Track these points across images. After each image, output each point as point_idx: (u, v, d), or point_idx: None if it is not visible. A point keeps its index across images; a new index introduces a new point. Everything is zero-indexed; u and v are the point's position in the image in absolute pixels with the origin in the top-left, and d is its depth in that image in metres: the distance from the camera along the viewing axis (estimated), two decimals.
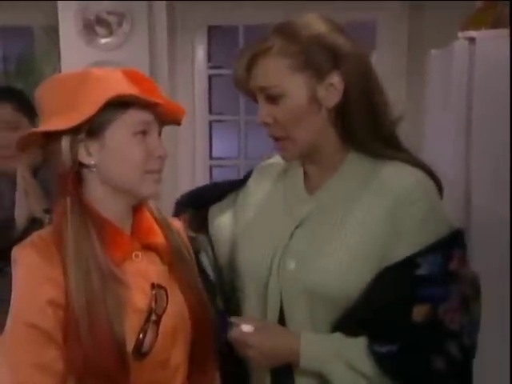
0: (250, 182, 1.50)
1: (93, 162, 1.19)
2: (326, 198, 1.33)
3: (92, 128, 1.16)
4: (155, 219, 1.30)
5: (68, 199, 1.17)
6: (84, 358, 1.10)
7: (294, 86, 1.24)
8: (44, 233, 1.21)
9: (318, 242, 1.29)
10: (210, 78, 3.64)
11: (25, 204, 1.83)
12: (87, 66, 3.07)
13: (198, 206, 1.51)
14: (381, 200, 1.27)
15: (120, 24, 3.24)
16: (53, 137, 1.16)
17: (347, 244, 1.25)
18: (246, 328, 1.26)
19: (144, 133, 1.19)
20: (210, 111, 3.66)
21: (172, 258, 1.28)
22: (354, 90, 1.25)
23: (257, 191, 1.46)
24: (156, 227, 1.29)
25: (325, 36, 1.24)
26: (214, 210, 1.51)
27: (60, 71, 3.17)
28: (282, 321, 1.32)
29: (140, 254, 1.24)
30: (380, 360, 1.20)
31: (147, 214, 1.29)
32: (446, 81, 2.25)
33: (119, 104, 1.15)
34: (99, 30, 3.26)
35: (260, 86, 1.27)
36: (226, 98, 3.58)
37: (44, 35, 3.34)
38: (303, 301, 1.27)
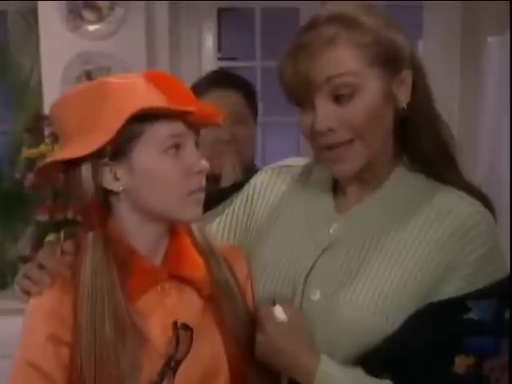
0: (256, 189, 1.48)
1: (121, 188, 1.19)
2: (362, 217, 1.32)
3: (116, 149, 1.16)
4: (197, 246, 1.29)
5: (90, 234, 1.18)
6: None
7: (371, 79, 1.24)
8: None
9: (348, 269, 1.27)
10: None
11: None
12: (72, 57, 3.19)
13: None
14: (434, 227, 1.27)
15: (112, 8, 3.18)
16: (73, 162, 1.17)
17: (388, 274, 1.24)
18: (278, 313, 1.23)
19: (177, 147, 1.18)
20: None
21: (213, 292, 1.27)
22: (418, 91, 1.28)
23: (267, 202, 1.45)
24: (195, 256, 1.28)
25: (386, 28, 1.26)
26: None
27: (39, 63, 3.15)
28: None
29: (168, 286, 1.24)
30: None
31: (186, 241, 1.28)
32: (506, 71, 2.25)
33: (144, 118, 1.14)
34: (87, 14, 3.19)
35: (329, 76, 1.23)
36: None
37: (20, 20, 3.28)
38: (323, 334, 1.25)
